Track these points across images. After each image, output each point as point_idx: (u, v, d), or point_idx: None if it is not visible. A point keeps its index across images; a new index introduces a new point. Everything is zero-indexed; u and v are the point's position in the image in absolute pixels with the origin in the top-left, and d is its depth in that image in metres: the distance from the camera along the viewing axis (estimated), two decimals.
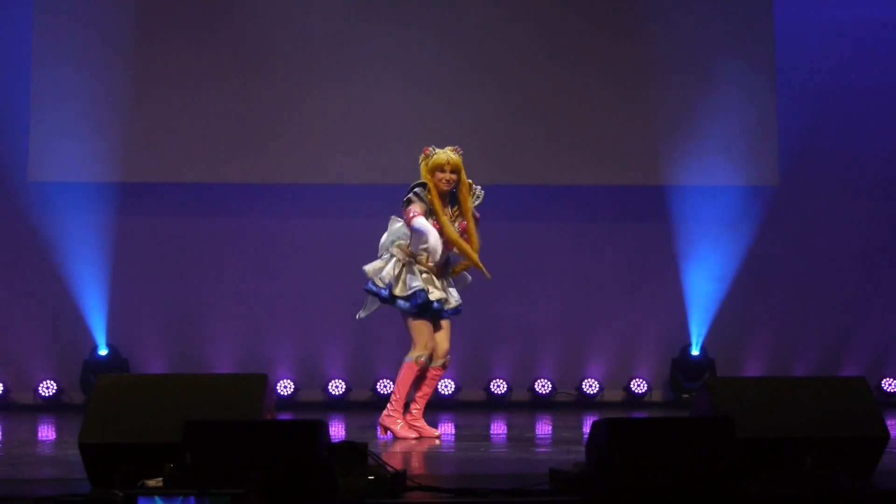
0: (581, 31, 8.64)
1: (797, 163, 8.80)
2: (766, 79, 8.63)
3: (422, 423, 6.08)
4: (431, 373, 6.06)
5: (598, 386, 8.63)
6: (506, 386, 8.43)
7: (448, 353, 6.06)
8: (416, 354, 5.99)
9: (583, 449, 4.06)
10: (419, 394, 6.11)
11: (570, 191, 8.70)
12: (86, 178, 8.36)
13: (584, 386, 8.63)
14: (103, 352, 8.45)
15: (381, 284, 5.97)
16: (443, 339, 6.05)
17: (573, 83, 8.57)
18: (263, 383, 4.25)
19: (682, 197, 8.69)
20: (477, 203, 6.09)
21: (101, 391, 4.20)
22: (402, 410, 6.08)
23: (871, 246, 8.94)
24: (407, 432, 6.02)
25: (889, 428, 4.27)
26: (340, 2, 8.59)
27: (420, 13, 8.55)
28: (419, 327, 5.99)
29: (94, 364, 8.33)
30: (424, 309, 5.92)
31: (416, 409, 6.10)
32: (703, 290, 8.75)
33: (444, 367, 6.09)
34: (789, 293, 8.89)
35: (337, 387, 8.49)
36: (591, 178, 8.60)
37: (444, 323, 6.08)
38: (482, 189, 6.09)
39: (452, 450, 5.76)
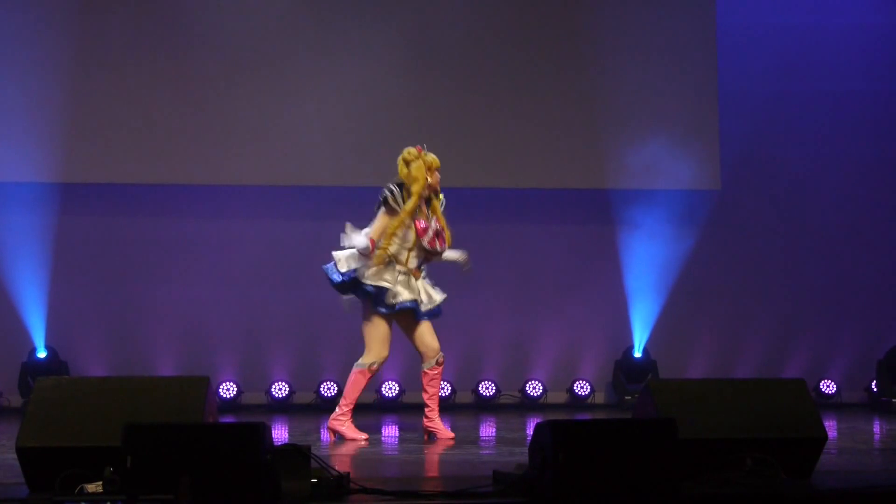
0: (527, 37, 8.65)
1: (738, 168, 8.90)
2: (708, 85, 8.71)
3: (437, 425, 6.08)
4: (431, 373, 6.04)
5: (541, 388, 8.66)
6: (450, 388, 8.44)
7: (438, 350, 6.03)
8: (370, 361, 5.97)
9: (526, 450, 4.08)
10: (427, 396, 6.08)
11: (515, 193, 8.73)
12: (24, 177, 8.23)
13: (527, 388, 8.66)
14: (42, 354, 8.32)
15: (343, 269, 5.90)
16: (429, 338, 6.02)
17: (517, 87, 8.58)
18: (205, 386, 4.22)
19: (625, 200, 8.75)
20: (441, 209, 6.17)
21: (40, 394, 4.15)
22: (349, 415, 6.06)
23: (810, 250, 9.06)
24: (355, 433, 6.02)
25: (827, 429, 4.34)
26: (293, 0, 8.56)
27: (365, 20, 8.51)
28: (375, 330, 5.96)
29: (32, 366, 8.20)
30: (382, 303, 5.87)
31: (430, 411, 6.08)
32: (645, 292, 8.81)
33: (438, 363, 6.05)
34: (731, 296, 8.99)
35: (280, 389, 8.44)
36: (535, 181, 8.64)
37: (424, 324, 6.03)
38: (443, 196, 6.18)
39: (396, 452, 5.76)
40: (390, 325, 6.00)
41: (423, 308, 5.99)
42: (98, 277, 8.51)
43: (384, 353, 5.98)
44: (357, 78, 8.45)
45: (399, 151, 6.03)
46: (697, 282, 8.87)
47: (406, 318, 6.03)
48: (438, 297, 6.07)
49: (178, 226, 8.60)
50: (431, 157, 6.00)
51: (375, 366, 5.97)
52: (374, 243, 5.85)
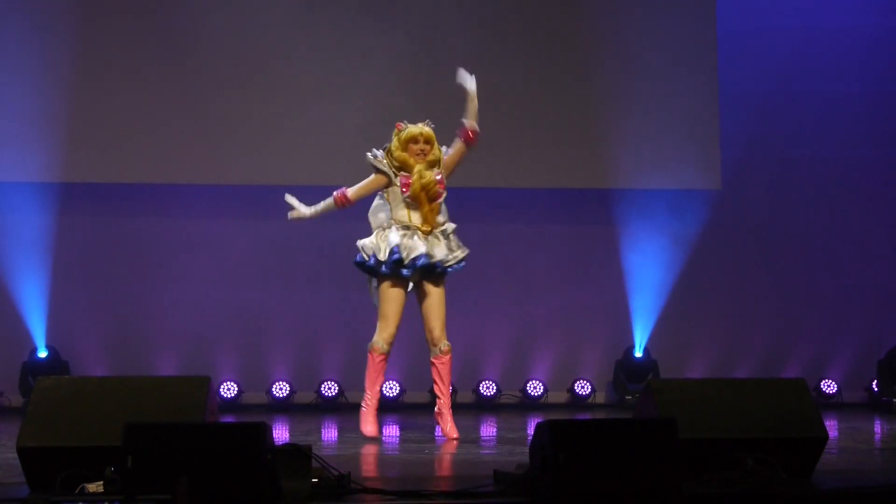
0: (527, 38, 8.64)
1: (738, 168, 8.90)
2: (708, 86, 8.70)
3: (443, 420, 6.03)
4: (437, 363, 5.98)
5: (542, 388, 8.66)
6: (451, 388, 8.43)
7: (440, 338, 5.92)
8: (373, 340, 5.96)
9: (527, 450, 4.08)
10: (435, 387, 6.06)
11: (515, 193, 8.73)
12: (24, 177, 8.23)
13: (528, 388, 8.66)
14: (43, 353, 8.31)
15: (365, 256, 5.98)
16: (433, 320, 5.93)
17: (517, 87, 8.57)
18: (206, 386, 4.22)
19: (625, 200, 8.74)
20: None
21: (41, 393, 4.15)
22: (371, 403, 6.05)
23: (810, 249, 9.06)
24: (369, 430, 6.01)
25: (828, 429, 4.34)
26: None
27: (367, 21, 8.51)
28: (382, 303, 5.92)
29: (33, 366, 8.20)
30: (398, 267, 5.85)
31: (440, 403, 6.05)
32: (645, 292, 8.81)
33: (442, 352, 5.96)
34: (731, 296, 8.98)
35: (281, 389, 8.43)
36: (535, 181, 8.63)
37: (434, 298, 5.93)
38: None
39: (397, 451, 5.76)
40: (397, 294, 5.92)
41: (434, 261, 5.89)
42: (98, 277, 8.50)
43: (388, 328, 5.91)
44: (359, 78, 8.44)
45: None
46: (697, 282, 8.87)
47: (419, 291, 5.99)
48: (442, 254, 5.97)
49: (178, 226, 8.59)
50: (413, 129, 6.10)
51: (378, 345, 5.93)
52: (344, 195, 6.08)
